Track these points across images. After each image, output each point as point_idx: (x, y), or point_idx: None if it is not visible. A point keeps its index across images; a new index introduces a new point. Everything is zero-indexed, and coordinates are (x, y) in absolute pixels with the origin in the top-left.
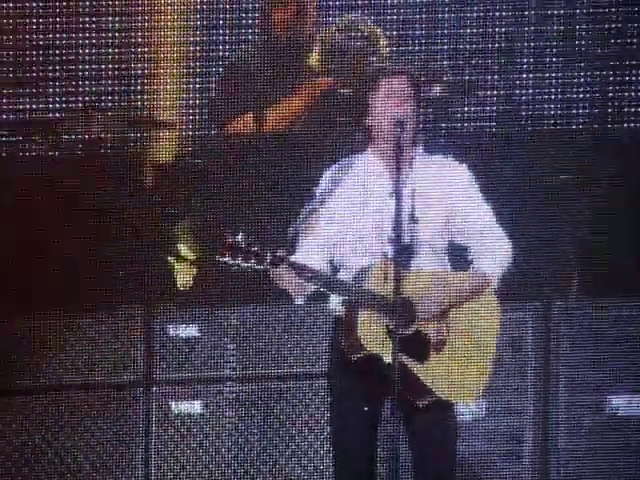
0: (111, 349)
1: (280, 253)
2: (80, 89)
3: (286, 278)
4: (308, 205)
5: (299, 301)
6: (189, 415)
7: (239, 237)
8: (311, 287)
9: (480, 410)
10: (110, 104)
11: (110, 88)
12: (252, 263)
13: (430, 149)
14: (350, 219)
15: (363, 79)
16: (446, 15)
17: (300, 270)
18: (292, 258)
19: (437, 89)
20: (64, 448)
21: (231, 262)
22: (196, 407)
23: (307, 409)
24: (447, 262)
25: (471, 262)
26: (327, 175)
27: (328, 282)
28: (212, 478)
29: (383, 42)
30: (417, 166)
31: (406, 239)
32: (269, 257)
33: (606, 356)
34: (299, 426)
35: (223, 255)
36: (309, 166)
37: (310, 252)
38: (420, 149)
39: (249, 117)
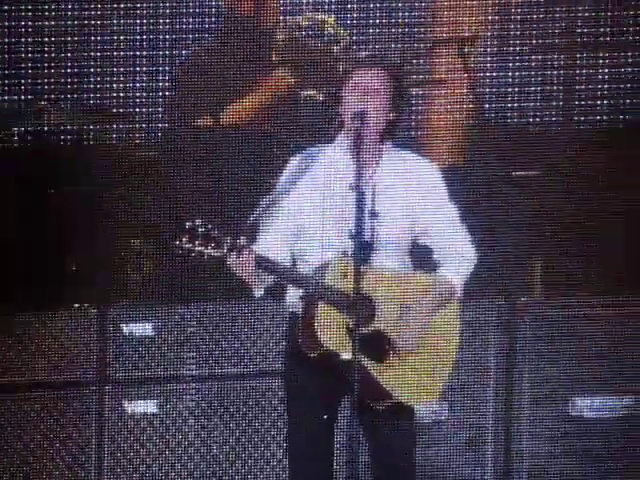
0: (63, 348)
1: (240, 241)
2: (33, 80)
3: (245, 267)
4: (270, 194)
5: (257, 293)
6: (144, 415)
7: (197, 222)
8: (270, 279)
9: (442, 411)
10: (65, 95)
11: (64, 79)
12: (210, 248)
13: (400, 144)
14: (311, 211)
15: (333, 70)
16: (417, 4)
17: (260, 260)
18: (253, 247)
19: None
20: (13, 449)
21: (188, 247)
22: (151, 407)
23: (265, 409)
24: (409, 261)
25: (435, 264)
26: (291, 164)
27: (288, 274)
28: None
29: (345, 35)
30: (382, 161)
31: (367, 235)
32: (228, 243)
33: (572, 356)
34: (256, 426)
35: (180, 240)
36: (273, 155)
37: (270, 243)
38: (389, 144)
39: (207, 112)
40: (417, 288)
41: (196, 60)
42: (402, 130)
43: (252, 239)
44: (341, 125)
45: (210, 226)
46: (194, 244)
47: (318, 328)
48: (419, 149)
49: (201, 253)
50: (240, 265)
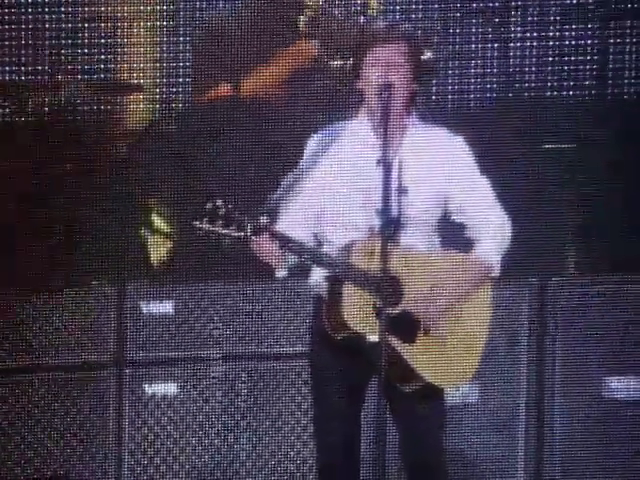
0: (81, 328)
1: (262, 221)
2: (47, 52)
3: (267, 248)
4: (292, 173)
5: (281, 274)
6: (163, 397)
7: (219, 202)
8: (293, 259)
9: (472, 394)
10: (80, 67)
11: (80, 50)
12: (232, 230)
13: (425, 118)
14: (335, 190)
15: (356, 43)
16: None
17: (283, 240)
18: (275, 227)
19: (429, 55)
20: (32, 433)
21: (209, 228)
22: (171, 388)
23: (289, 391)
24: (437, 239)
25: (468, 242)
26: (313, 142)
27: (312, 254)
28: (188, 463)
29: (374, 4)
30: (408, 134)
31: (394, 212)
32: (250, 225)
33: (605, 336)
34: (280, 409)
35: (201, 221)
36: (295, 132)
37: (293, 224)
38: (414, 117)
39: (229, 83)
40: (449, 267)
41: (217, 28)
42: (427, 103)
43: (274, 219)
44: (361, 100)
45: (231, 207)
46: (215, 225)
47: (344, 309)
48: (445, 122)
49: (222, 235)
50: (262, 246)
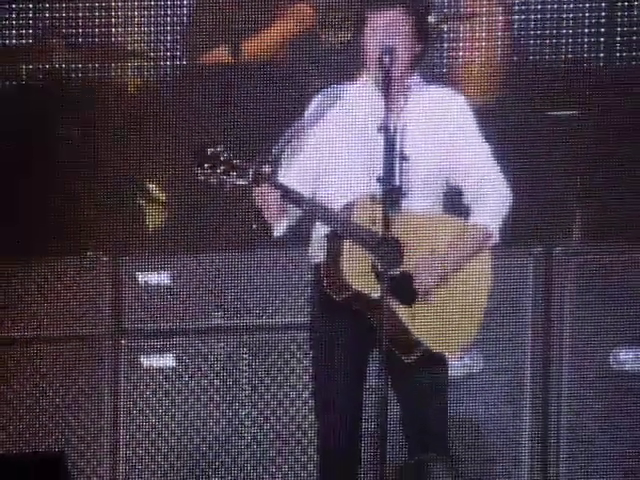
0: (75, 299)
1: (265, 169)
2: (40, 15)
3: (269, 199)
4: (295, 126)
5: (278, 231)
6: (160, 369)
7: (220, 148)
8: (293, 215)
9: (476, 364)
10: (74, 31)
11: (73, 14)
12: (233, 176)
13: (427, 78)
14: (336, 152)
15: (355, 7)
16: None
17: (285, 191)
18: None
19: (432, 18)
20: (26, 405)
21: (210, 173)
22: (168, 361)
23: (288, 363)
24: (440, 205)
25: (467, 207)
26: (316, 100)
27: (314, 207)
28: (186, 438)
29: None
30: (412, 97)
31: (396, 179)
32: (252, 172)
33: (613, 307)
34: (280, 381)
35: (202, 166)
36: (297, 92)
37: (293, 178)
38: (416, 78)
39: (225, 46)
40: (449, 233)
41: None
42: (430, 64)
43: (276, 170)
44: (364, 62)
45: (233, 153)
46: (216, 171)
47: (345, 268)
48: (449, 84)
49: (223, 182)
50: (264, 196)
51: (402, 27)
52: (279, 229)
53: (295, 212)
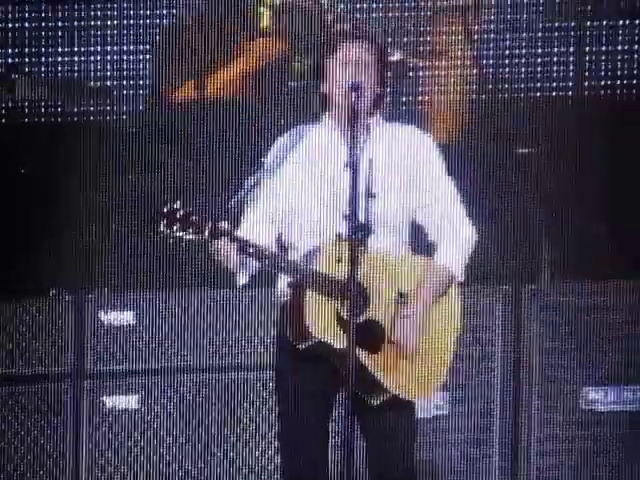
0: (36, 337)
1: (222, 225)
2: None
3: (227, 254)
4: (255, 175)
5: (241, 281)
6: (124, 410)
7: (176, 205)
8: (255, 265)
9: (444, 405)
10: (39, 67)
11: (38, 50)
12: (190, 234)
13: (391, 118)
14: (301, 193)
15: (319, 42)
16: None
17: (243, 245)
18: (236, 232)
19: (398, 54)
20: None
21: (166, 231)
22: (132, 402)
23: (255, 403)
24: (407, 244)
25: (433, 245)
26: (278, 143)
27: (273, 260)
28: None
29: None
30: (375, 135)
31: (362, 216)
32: (209, 228)
33: (583, 346)
34: (246, 422)
35: (158, 224)
36: (258, 133)
37: (255, 227)
38: (379, 117)
39: (190, 83)
40: (414, 273)
41: (179, 24)
42: (393, 104)
43: (235, 223)
44: (326, 102)
45: (190, 209)
46: (172, 229)
47: (307, 317)
48: (414, 123)
49: (180, 238)
50: (222, 251)
51: (368, 64)
52: (241, 279)
53: (255, 264)
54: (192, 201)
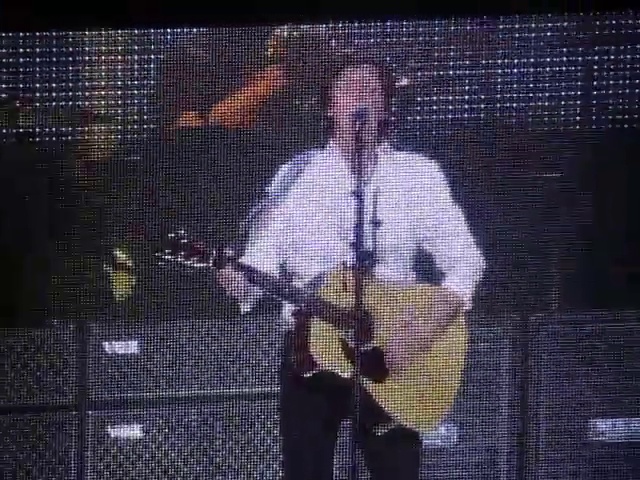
0: (40, 368)
1: (227, 252)
2: (5, 76)
3: (232, 281)
4: (260, 202)
5: (246, 309)
6: (128, 440)
7: (181, 232)
8: (260, 293)
9: (451, 435)
10: (40, 94)
11: (40, 76)
12: (194, 261)
13: (398, 145)
14: (306, 220)
15: (324, 68)
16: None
17: (248, 272)
18: (240, 259)
19: (405, 80)
20: None
21: (171, 259)
22: (136, 431)
23: (259, 433)
24: (413, 272)
25: (440, 274)
26: (283, 170)
27: (278, 287)
28: None
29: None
30: (382, 163)
31: (368, 244)
32: (214, 256)
33: (591, 376)
34: (250, 452)
35: (163, 252)
36: (262, 160)
37: (260, 255)
38: (386, 145)
39: (194, 112)
40: (420, 301)
41: (183, 54)
42: (398, 130)
43: (240, 250)
44: (331, 128)
45: (194, 237)
46: (177, 256)
47: (312, 346)
48: (418, 149)
49: (184, 266)
50: (227, 278)
51: (373, 89)
52: (245, 308)
53: (260, 291)
54: (196, 229)
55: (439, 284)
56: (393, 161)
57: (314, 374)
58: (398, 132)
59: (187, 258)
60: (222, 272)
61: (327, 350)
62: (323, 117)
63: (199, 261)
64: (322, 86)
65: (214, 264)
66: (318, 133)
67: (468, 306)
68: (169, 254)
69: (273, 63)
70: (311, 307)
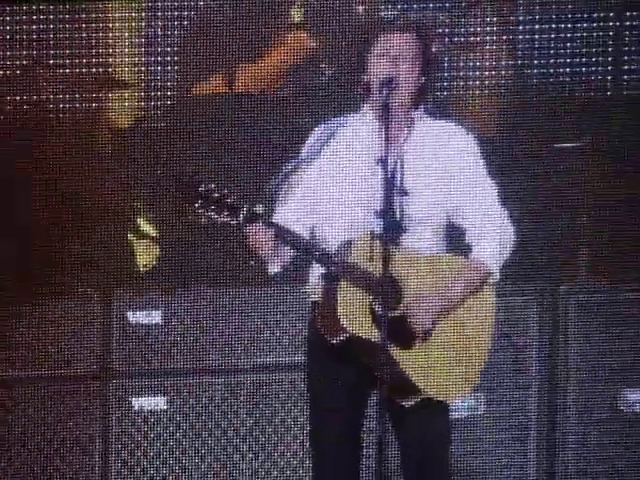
0: (64, 338)
1: (258, 209)
2: (27, 43)
3: (262, 239)
4: (292, 162)
5: (273, 270)
6: (151, 412)
7: (212, 186)
8: (288, 254)
9: (479, 405)
10: (63, 61)
11: (62, 42)
12: (225, 215)
13: (433, 112)
14: (334, 187)
15: (357, 34)
16: None
17: (279, 231)
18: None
19: (439, 47)
20: (13, 447)
21: (201, 212)
22: (159, 403)
23: (284, 405)
24: (443, 243)
25: (469, 245)
26: (316, 133)
27: (309, 248)
28: None
29: None
30: (413, 131)
31: (395, 214)
32: (245, 212)
33: (621, 346)
34: (276, 423)
35: (193, 204)
36: (294, 123)
37: (289, 216)
38: (421, 112)
39: (220, 77)
40: (449, 271)
41: (207, 18)
42: (435, 97)
43: (270, 209)
44: (367, 93)
45: (226, 191)
46: (207, 210)
47: (340, 311)
48: (454, 117)
49: (214, 221)
50: (257, 236)
51: (408, 55)
52: (273, 268)
53: (289, 251)
54: (227, 187)
55: (467, 255)
56: (427, 129)
57: (342, 340)
58: (435, 99)
59: (218, 213)
60: (252, 229)
61: (355, 315)
62: (357, 82)
63: (229, 216)
64: (358, 51)
65: (245, 220)
66: (350, 98)
67: (496, 277)
68: (200, 207)
69: (300, 28)
70: (340, 269)
